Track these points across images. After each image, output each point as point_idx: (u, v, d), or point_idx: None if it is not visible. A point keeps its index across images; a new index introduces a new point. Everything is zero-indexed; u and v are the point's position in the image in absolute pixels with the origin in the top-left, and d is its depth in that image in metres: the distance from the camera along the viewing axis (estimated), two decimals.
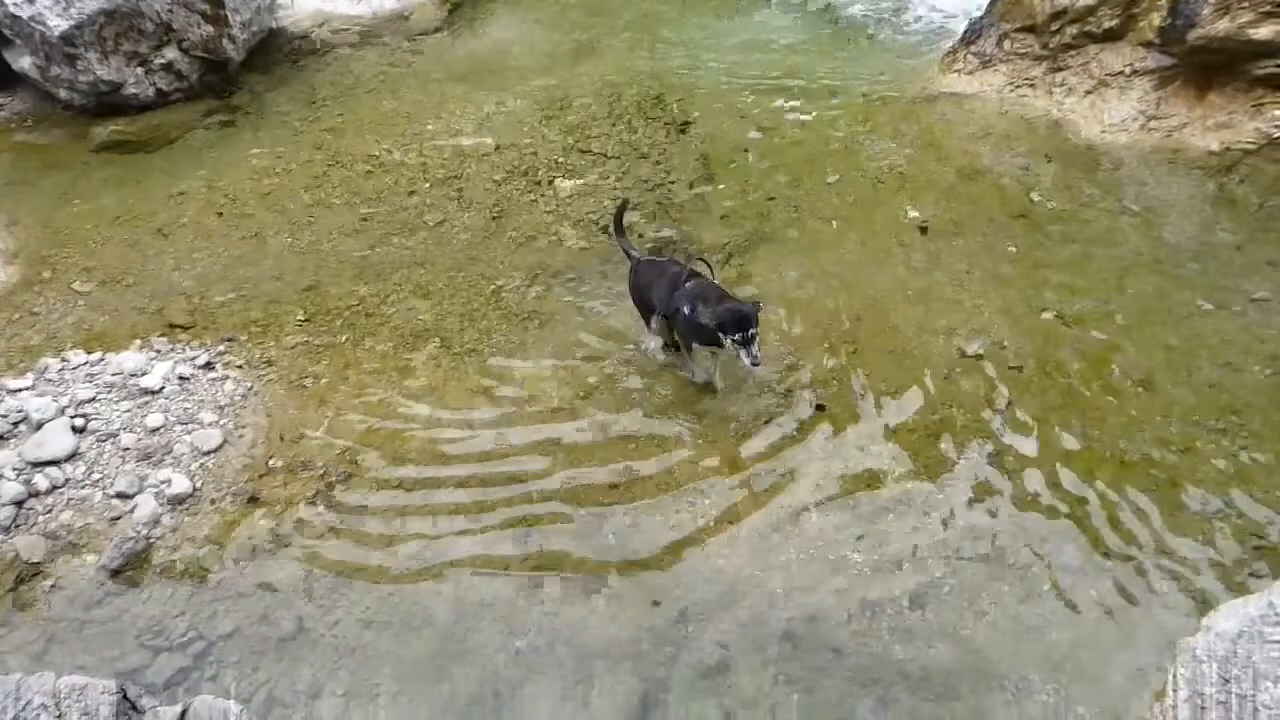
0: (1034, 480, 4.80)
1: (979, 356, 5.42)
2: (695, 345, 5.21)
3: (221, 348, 5.62)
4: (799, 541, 4.57)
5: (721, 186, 6.93)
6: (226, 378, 5.41)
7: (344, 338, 5.75)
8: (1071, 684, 3.97)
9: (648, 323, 5.51)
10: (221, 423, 5.15)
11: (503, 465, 4.96)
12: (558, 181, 7.02)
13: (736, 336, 4.78)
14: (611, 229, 5.85)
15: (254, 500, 4.82)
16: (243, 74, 8.43)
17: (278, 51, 8.79)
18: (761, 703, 3.93)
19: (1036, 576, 4.37)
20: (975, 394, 5.25)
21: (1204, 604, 4.04)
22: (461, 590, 4.40)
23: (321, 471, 4.94)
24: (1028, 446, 4.96)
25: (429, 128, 7.67)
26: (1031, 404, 5.17)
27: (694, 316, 4.95)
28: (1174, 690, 3.57)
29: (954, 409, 5.17)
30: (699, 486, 4.84)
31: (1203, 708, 3.44)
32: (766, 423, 5.15)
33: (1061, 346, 5.48)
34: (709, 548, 4.54)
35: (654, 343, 5.51)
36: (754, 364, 4.82)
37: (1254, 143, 6.81)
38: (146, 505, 4.74)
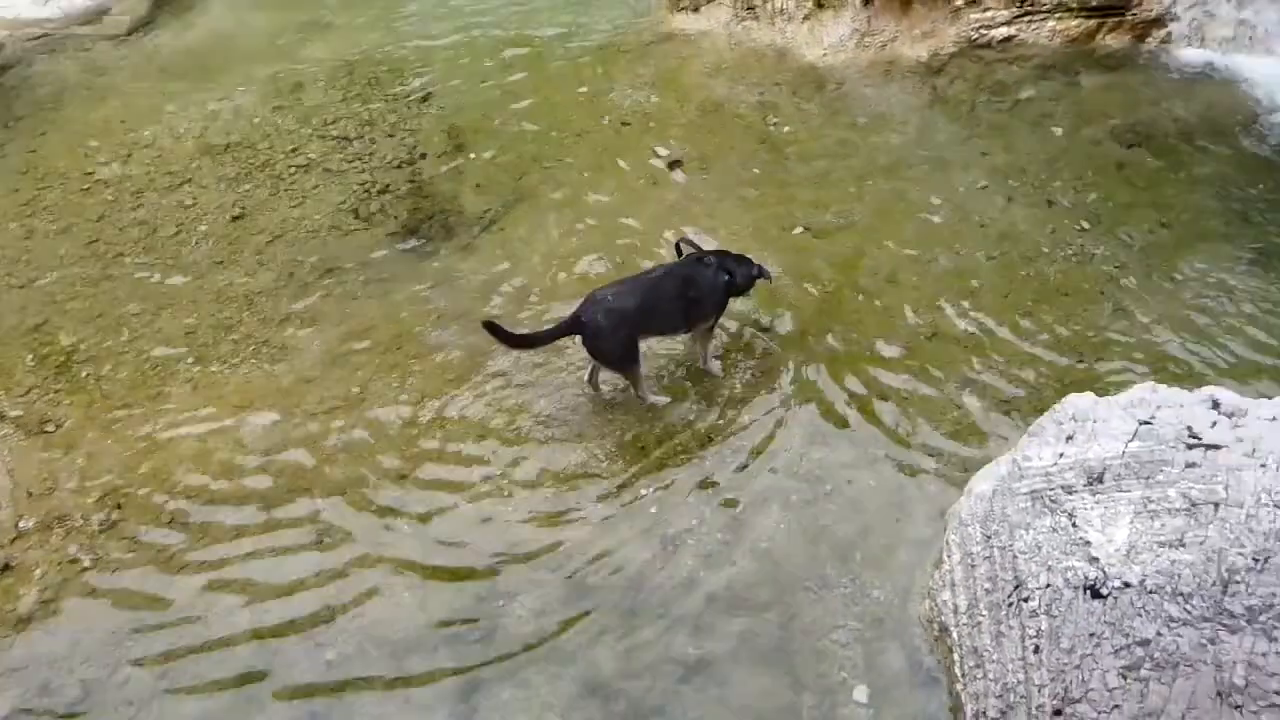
0: (805, 387, 5.04)
1: None
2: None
3: None
4: (592, 492, 4.61)
5: (472, 155, 6.80)
6: None
7: (85, 374, 5.26)
8: (864, 571, 4.21)
9: (637, 366, 4.87)
10: None
11: (280, 478, 4.71)
12: (299, 172, 6.67)
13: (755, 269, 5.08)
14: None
15: (7, 568, 4.36)
16: None
17: None
18: (581, 658, 3.96)
19: (819, 478, 4.60)
20: (742, 316, 5.44)
21: (966, 471, 4.35)
22: (257, 615, 4.17)
23: (81, 522, 4.53)
24: (794, 357, 5.20)
25: (147, 133, 7.08)
26: (793, 316, 5.43)
27: (742, 277, 5.02)
28: (948, 555, 3.88)
29: (720, 332, 5.34)
30: (484, 459, 4.78)
31: (973, 565, 3.75)
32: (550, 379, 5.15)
33: (814, 258, 5.77)
34: (504, 516, 4.51)
35: (657, 400, 5.01)
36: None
37: (956, 46, 7.36)
38: None
